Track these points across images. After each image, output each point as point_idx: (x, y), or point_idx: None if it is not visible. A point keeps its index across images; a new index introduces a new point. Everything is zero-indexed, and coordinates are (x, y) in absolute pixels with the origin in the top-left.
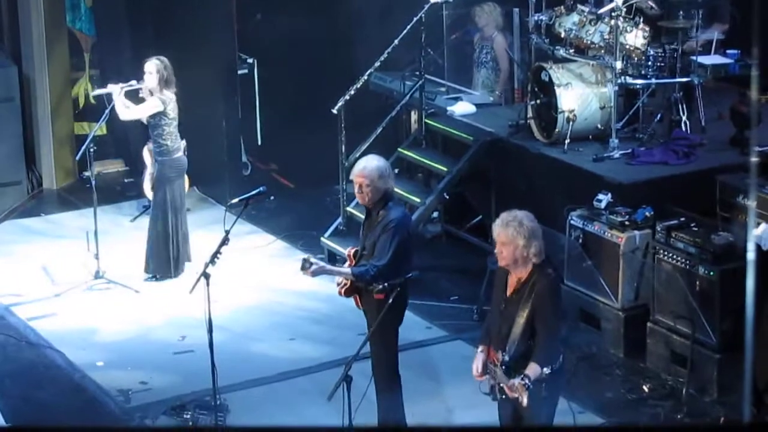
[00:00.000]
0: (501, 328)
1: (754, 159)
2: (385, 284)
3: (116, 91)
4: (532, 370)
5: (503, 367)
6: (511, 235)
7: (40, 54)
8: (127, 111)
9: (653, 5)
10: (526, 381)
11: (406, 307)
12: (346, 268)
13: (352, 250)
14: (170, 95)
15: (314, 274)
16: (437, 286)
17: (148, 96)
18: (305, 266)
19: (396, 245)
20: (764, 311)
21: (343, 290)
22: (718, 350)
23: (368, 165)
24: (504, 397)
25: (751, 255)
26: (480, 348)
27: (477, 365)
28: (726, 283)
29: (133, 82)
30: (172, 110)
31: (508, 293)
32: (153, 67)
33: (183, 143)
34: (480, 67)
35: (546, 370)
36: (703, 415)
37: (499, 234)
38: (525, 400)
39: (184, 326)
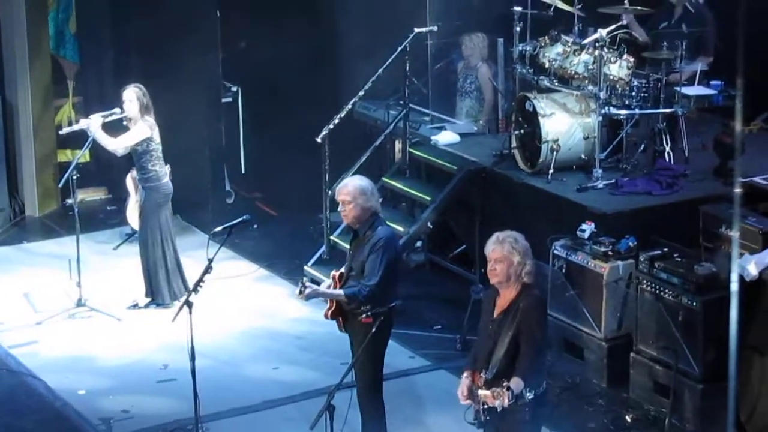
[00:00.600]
0: (486, 348)
1: (737, 189)
2: (372, 310)
3: (94, 124)
4: (515, 382)
5: (485, 384)
6: (507, 251)
7: (23, 80)
8: (113, 141)
9: (638, 36)
10: (509, 388)
11: (390, 334)
12: (338, 291)
13: (337, 273)
14: (152, 121)
15: (308, 297)
16: (421, 315)
17: (131, 124)
18: (301, 290)
19: (386, 264)
20: (747, 342)
21: (329, 312)
22: (701, 380)
23: (350, 183)
24: (488, 419)
25: (734, 286)
26: (465, 374)
27: (462, 389)
28: (709, 313)
29: (117, 110)
30: (157, 135)
31: (496, 314)
32: (132, 94)
33: (168, 168)
34: (464, 96)
35: (529, 395)
36: None
37: (494, 250)
38: (506, 402)
39: (166, 354)
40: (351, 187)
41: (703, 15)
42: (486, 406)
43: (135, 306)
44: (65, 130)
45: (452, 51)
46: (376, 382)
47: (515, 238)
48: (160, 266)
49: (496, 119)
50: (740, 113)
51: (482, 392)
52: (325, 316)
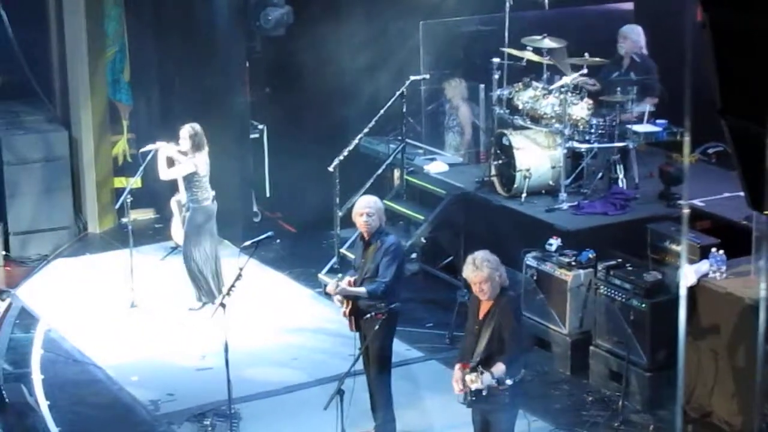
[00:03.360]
0: (472, 343)
1: (685, 210)
2: (384, 309)
3: (164, 149)
4: (497, 368)
5: (470, 371)
6: (488, 273)
7: (86, 120)
8: (165, 170)
9: (595, 82)
10: (490, 374)
11: (396, 328)
12: (361, 288)
13: (351, 279)
14: (201, 156)
15: (337, 293)
16: (415, 315)
17: (182, 158)
18: (338, 283)
19: (397, 264)
20: (687, 337)
21: (347, 310)
22: (648, 369)
23: (370, 199)
24: (474, 399)
25: (683, 291)
26: (457, 366)
27: (457, 379)
28: (655, 313)
29: (176, 145)
30: (203, 169)
31: (481, 316)
32: (186, 132)
33: (212, 193)
34: (448, 131)
35: (509, 382)
36: (636, 423)
37: (477, 276)
38: (480, 384)
39: (205, 347)
40: (374, 202)
41: (648, 65)
42: (473, 389)
43: (192, 310)
44: (147, 147)
45: (442, 95)
46: (386, 366)
47: (487, 258)
48: (199, 273)
49: (477, 151)
50: (688, 148)
51: (467, 377)
52: (344, 314)
